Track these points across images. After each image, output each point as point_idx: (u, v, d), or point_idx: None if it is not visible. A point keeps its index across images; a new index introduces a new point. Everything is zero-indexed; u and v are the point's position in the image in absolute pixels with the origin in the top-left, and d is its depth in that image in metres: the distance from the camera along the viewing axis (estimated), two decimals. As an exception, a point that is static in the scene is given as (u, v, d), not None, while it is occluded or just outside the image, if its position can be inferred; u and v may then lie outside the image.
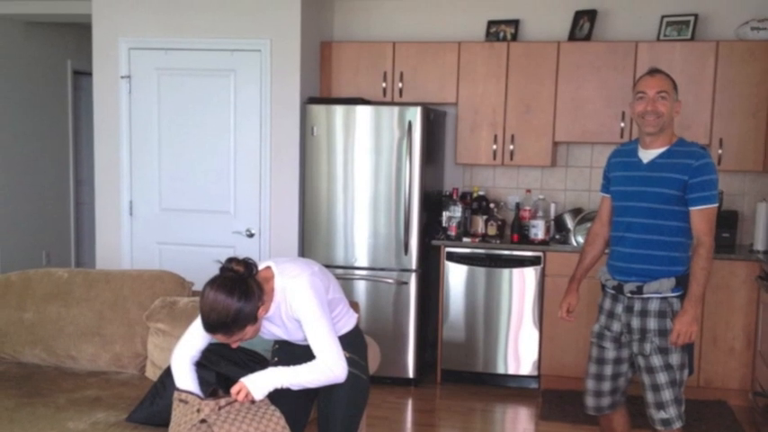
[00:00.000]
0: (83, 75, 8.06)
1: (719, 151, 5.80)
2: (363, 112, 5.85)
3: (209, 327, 2.97)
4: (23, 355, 4.43)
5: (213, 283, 2.96)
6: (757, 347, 5.52)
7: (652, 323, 3.69)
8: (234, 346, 3.09)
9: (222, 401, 3.05)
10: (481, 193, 6.34)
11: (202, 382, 3.28)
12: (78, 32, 7.67)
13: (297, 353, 3.21)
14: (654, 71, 3.80)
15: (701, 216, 3.65)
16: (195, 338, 3.23)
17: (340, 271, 5.89)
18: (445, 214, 6.15)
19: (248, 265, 3.02)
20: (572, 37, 6.17)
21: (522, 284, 5.90)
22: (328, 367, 3.03)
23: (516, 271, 5.90)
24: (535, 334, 5.91)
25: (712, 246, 3.66)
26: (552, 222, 6.19)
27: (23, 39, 7.50)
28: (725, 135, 5.82)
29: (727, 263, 5.59)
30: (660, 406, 3.70)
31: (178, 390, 3.21)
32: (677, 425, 3.71)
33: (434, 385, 6.11)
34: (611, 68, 5.95)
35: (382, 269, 5.93)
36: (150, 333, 4.24)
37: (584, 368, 3.99)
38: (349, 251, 5.96)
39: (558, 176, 6.47)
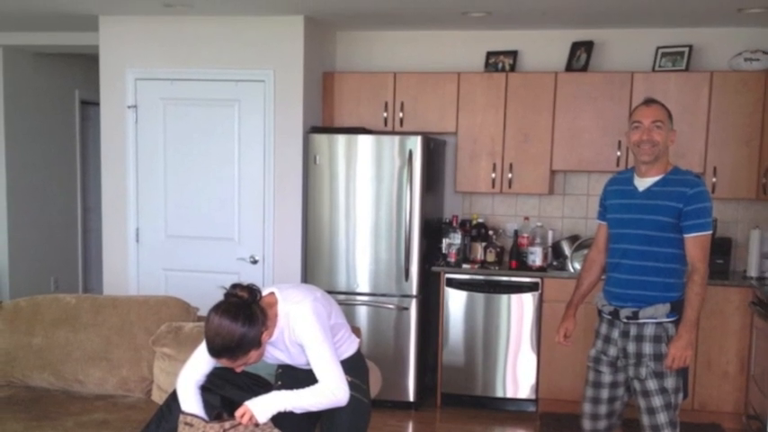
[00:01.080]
0: (90, 104, 8.08)
1: (714, 179, 5.85)
2: (365, 142, 5.90)
3: (214, 351, 3.02)
4: (32, 379, 4.47)
5: (218, 308, 3.02)
6: (751, 371, 5.57)
7: (647, 348, 3.74)
8: (238, 370, 3.13)
9: (227, 424, 3.10)
10: (480, 220, 6.38)
11: (207, 405, 3.33)
12: (86, 63, 7.71)
13: (300, 377, 3.25)
14: (649, 101, 3.87)
15: (695, 243, 3.70)
16: (200, 363, 3.28)
17: (342, 297, 5.92)
18: (445, 241, 6.19)
19: (252, 290, 3.07)
20: (569, 68, 6.23)
21: (520, 310, 5.94)
22: (330, 391, 3.07)
23: (515, 297, 5.94)
24: (533, 358, 5.94)
25: (706, 272, 3.72)
26: (550, 249, 6.22)
27: (32, 69, 7.53)
28: (719, 163, 5.87)
29: (721, 289, 5.63)
30: (655, 429, 3.74)
31: (183, 413, 3.27)
32: (672, 447, 3.75)
33: (434, 409, 6.13)
34: (607, 98, 6.00)
35: (383, 295, 5.96)
36: (156, 357, 4.29)
37: (581, 392, 4.03)
38: (351, 277, 6.00)
39: (555, 204, 6.52)
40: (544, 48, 6.40)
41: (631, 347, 3.79)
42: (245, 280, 3.27)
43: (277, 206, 6.03)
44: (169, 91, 6.11)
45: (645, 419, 3.78)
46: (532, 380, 5.97)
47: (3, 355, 4.51)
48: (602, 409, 3.94)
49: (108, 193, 6.27)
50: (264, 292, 3.18)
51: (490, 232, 6.32)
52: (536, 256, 6.01)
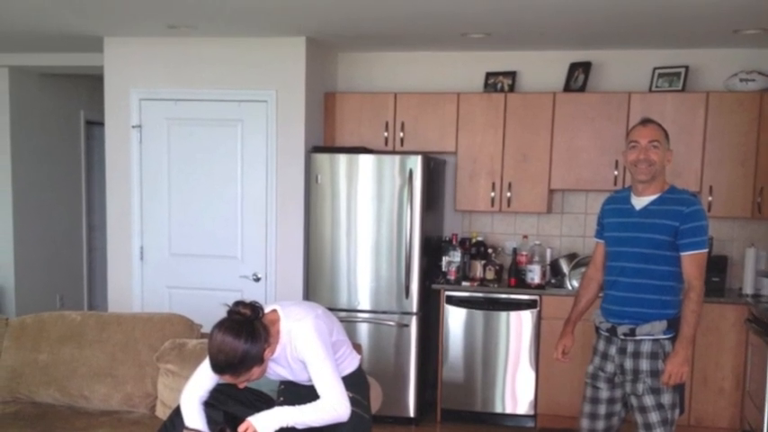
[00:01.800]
0: (95, 124, 8.11)
1: (709, 198, 5.87)
2: (366, 161, 5.93)
3: (217, 368, 3.04)
4: (38, 395, 4.50)
5: (221, 325, 3.04)
6: (746, 387, 5.59)
7: (644, 364, 3.77)
8: (241, 386, 3.16)
9: (229, 439, 3.15)
10: (480, 238, 6.41)
11: (210, 420, 3.35)
12: (91, 84, 7.70)
13: (302, 393, 3.27)
14: (646, 121, 3.90)
15: (691, 261, 3.73)
16: (204, 379, 3.30)
17: (343, 314, 5.93)
18: (445, 259, 6.22)
19: (255, 308, 3.09)
20: (567, 88, 6.26)
21: (518, 327, 5.96)
22: (332, 407, 3.09)
23: (513, 314, 5.97)
24: (532, 374, 5.97)
25: (703, 289, 3.74)
26: (548, 267, 6.25)
27: (38, 90, 7.57)
28: (715, 183, 5.90)
29: (717, 306, 5.65)
30: (652, 444, 3.76)
31: (187, 428, 3.30)
32: (669, 463, 3.77)
33: (434, 424, 6.14)
34: (604, 118, 6.03)
35: (384, 312, 5.98)
36: (160, 374, 4.32)
37: (579, 407, 4.05)
38: (352, 295, 6.02)
39: (553, 223, 6.54)
40: (542, 68, 6.44)
41: (628, 364, 3.82)
42: (248, 297, 3.31)
43: (279, 224, 6.05)
44: (173, 111, 6.14)
45: (642, 435, 3.80)
46: (531, 396, 6.00)
47: (9, 371, 4.55)
48: (600, 424, 3.96)
49: (113, 212, 6.30)
50: (267, 310, 3.20)
51: (489, 250, 6.33)
52: (534, 274, 6.04)
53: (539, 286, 6.03)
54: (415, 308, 5.95)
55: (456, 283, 6.12)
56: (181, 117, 6.15)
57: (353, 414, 3.21)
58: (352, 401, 3.21)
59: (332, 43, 6.34)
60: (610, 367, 3.90)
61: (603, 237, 4.07)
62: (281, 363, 3.25)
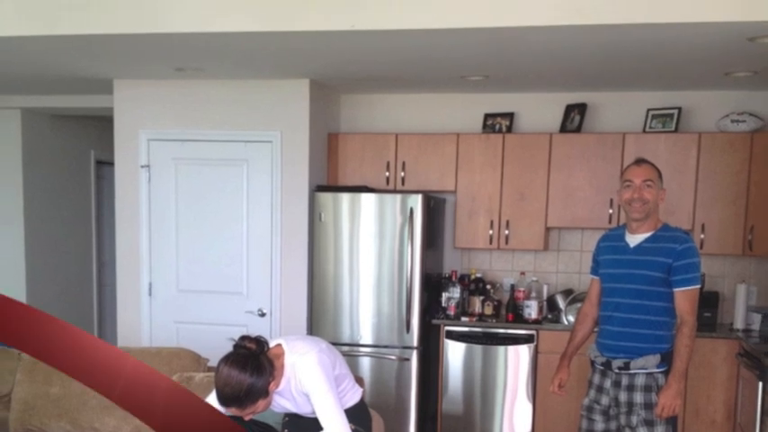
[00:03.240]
0: (105, 164, 8.19)
1: (702, 236, 5.92)
2: (368, 200, 6.01)
3: (224, 400, 3.09)
4: (50, 427, 4.56)
5: (227, 359, 3.11)
6: (737, 420, 5.62)
7: (638, 397, 3.85)
8: (246, 418, 3.20)
9: (235, 470, 3.25)
10: (478, 275, 6.47)
11: None
12: (101, 125, 7.79)
13: (306, 425, 3.36)
14: (640, 161, 4.00)
15: (684, 297, 3.81)
16: None
17: (346, 348, 5.98)
18: (445, 295, 6.26)
19: (260, 342, 3.17)
20: (563, 129, 6.31)
21: (516, 361, 6.01)
22: None
23: (511, 348, 6.02)
24: (529, 407, 6.00)
25: (695, 324, 3.83)
26: (545, 303, 6.28)
27: (49, 130, 7.65)
28: (707, 221, 5.95)
29: (709, 341, 5.69)
30: (646, 475, 3.81)
31: (195, 459, 3.41)
32: (663, 493, 3.82)
33: (435, 457, 6.15)
34: (599, 158, 6.08)
35: (386, 346, 6.03)
36: (168, 406, 4.43)
37: None
38: (354, 330, 6.07)
39: (550, 260, 6.60)
40: (539, 110, 6.49)
41: (623, 397, 3.90)
42: (253, 332, 3.40)
43: (284, 261, 6.10)
44: (181, 151, 6.20)
45: (636, 466, 3.85)
46: (528, 428, 6.02)
47: (22, 403, 4.62)
48: (595, 456, 4.01)
49: (122, 249, 6.34)
50: (272, 344, 3.27)
51: (488, 286, 6.39)
52: (532, 310, 6.10)
53: (536, 321, 6.08)
54: (415, 342, 5.99)
55: (455, 319, 6.16)
56: (188, 157, 6.20)
57: (355, 445, 3.26)
58: (355, 433, 3.27)
59: (335, 85, 6.41)
60: (605, 400, 3.98)
61: (598, 273, 4.15)
62: (286, 395, 3.31)
